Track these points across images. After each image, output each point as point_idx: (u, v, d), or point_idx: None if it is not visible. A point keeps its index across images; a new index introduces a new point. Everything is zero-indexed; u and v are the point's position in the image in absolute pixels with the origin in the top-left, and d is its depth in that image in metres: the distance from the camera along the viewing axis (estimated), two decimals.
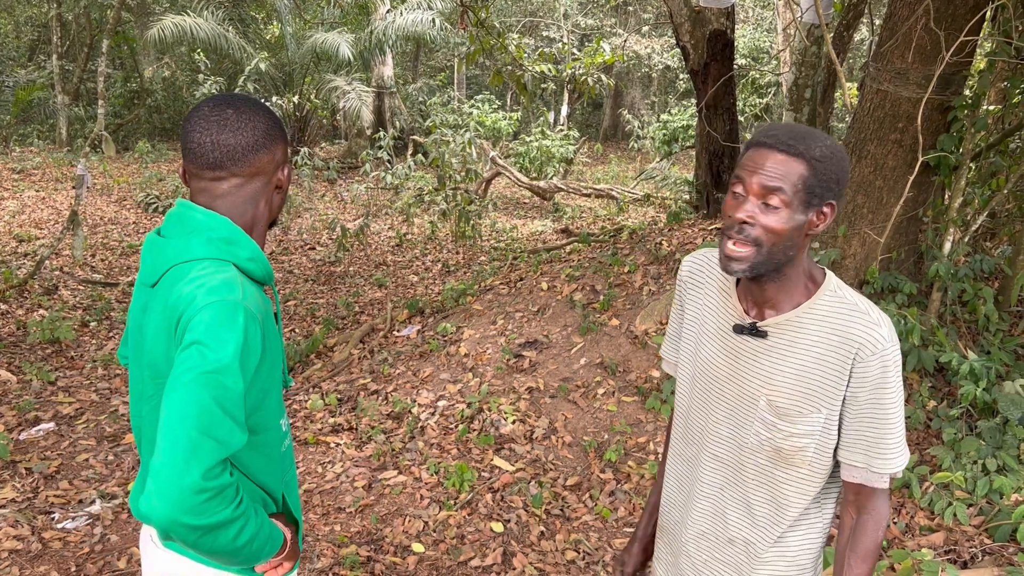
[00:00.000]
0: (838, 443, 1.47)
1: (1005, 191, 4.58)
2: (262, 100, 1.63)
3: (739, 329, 1.49)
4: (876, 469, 1.43)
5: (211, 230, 1.37)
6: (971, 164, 4.49)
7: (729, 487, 1.57)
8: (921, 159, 3.73)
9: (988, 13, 4.13)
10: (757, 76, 16.18)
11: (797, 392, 1.44)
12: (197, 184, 1.41)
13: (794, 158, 1.36)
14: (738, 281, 1.55)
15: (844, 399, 1.43)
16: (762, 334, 1.47)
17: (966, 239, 4.58)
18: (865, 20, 8.42)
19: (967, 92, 4.43)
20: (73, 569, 3.13)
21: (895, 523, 3.44)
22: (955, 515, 3.39)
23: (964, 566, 3.18)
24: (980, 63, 4.78)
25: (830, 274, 1.49)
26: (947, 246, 4.45)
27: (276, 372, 1.42)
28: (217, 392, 1.23)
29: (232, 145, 1.37)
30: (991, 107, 5.00)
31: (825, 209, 1.39)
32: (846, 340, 1.40)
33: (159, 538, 1.30)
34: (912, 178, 3.72)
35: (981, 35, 4.36)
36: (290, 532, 1.49)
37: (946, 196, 4.60)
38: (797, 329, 1.44)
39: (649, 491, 2.02)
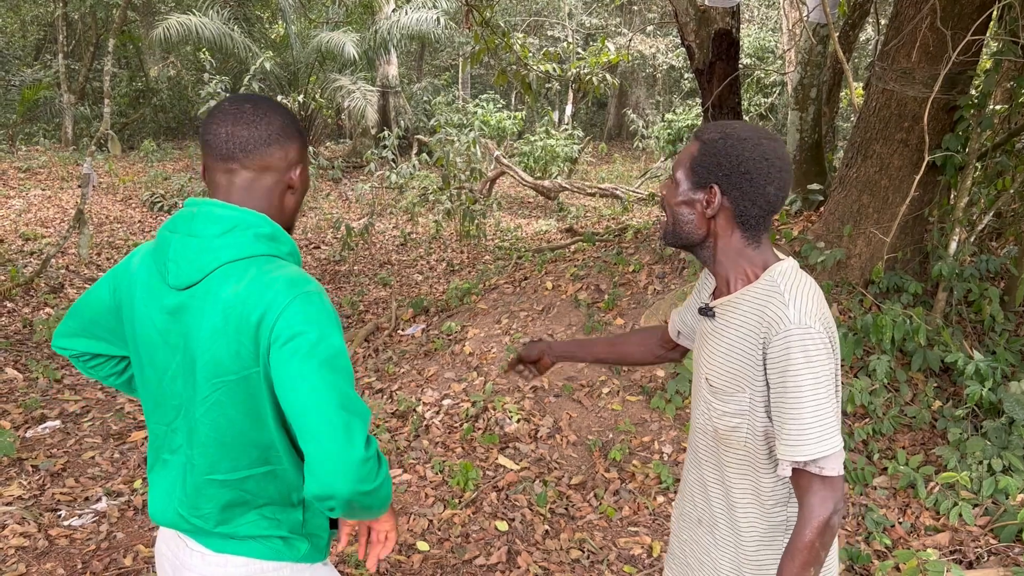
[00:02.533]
0: None
1: (1011, 191, 4.57)
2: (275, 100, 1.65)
3: (700, 310, 1.60)
4: (780, 454, 1.41)
5: (255, 227, 1.38)
6: (977, 164, 4.48)
7: (694, 468, 1.67)
8: (927, 159, 3.72)
9: (994, 13, 4.12)
10: (762, 75, 16.16)
11: (726, 371, 1.50)
12: (212, 177, 1.42)
13: (694, 140, 1.52)
14: None
15: (768, 383, 1.44)
16: (711, 314, 1.55)
17: (972, 239, 4.57)
18: (871, 19, 8.41)
19: (973, 92, 4.42)
20: (79, 566, 3.14)
21: (900, 523, 3.44)
22: (960, 515, 3.38)
23: (969, 566, 3.17)
24: (986, 63, 4.77)
25: (783, 262, 1.51)
26: (953, 246, 4.44)
27: None
28: (342, 373, 1.32)
29: (244, 137, 1.38)
30: (997, 107, 4.99)
31: (709, 192, 1.48)
32: (759, 320, 1.44)
33: (342, 512, 1.33)
34: (918, 178, 3.72)
35: (987, 34, 4.35)
36: None
37: (952, 196, 4.59)
38: (733, 310, 1.50)
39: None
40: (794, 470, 1.41)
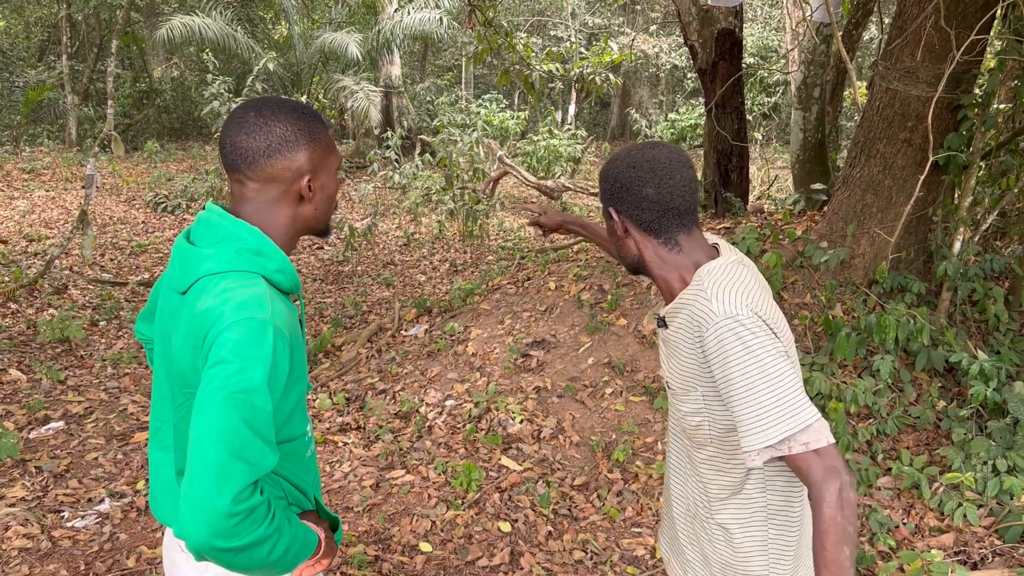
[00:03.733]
0: None
1: (1015, 190, 4.55)
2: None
3: (657, 320, 1.65)
4: (742, 446, 1.41)
5: (240, 240, 1.35)
6: (981, 163, 4.47)
7: (673, 470, 1.75)
8: (931, 158, 3.71)
9: (998, 11, 4.10)
10: (765, 75, 16.13)
11: (678, 373, 1.56)
12: (230, 186, 1.43)
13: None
14: None
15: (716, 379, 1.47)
16: (663, 323, 1.60)
17: (976, 238, 4.56)
18: (874, 18, 8.39)
19: (977, 91, 4.40)
20: (82, 567, 3.14)
21: (904, 524, 3.43)
22: (965, 516, 3.37)
23: (974, 567, 3.16)
24: (990, 62, 4.75)
25: (709, 264, 1.51)
26: (957, 245, 4.43)
27: (302, 383, 1.40)
28: (247, 413, 1.22)
29: (244, 148, 1.36)
30: (1001, 106, 4.97)
31: (609, 212, 1.60)
32: (692, 320, 1.48)
33: (196, 560, 1.26)
34: (922, 177, 3.70)
35: (991, 33, 4.34)
36: (322, 530, 1.47)
37: (956, 195, 4.57)
38: (673, 316, 1.55)
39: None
40: (786, 457, 1.36)
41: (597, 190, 1.57)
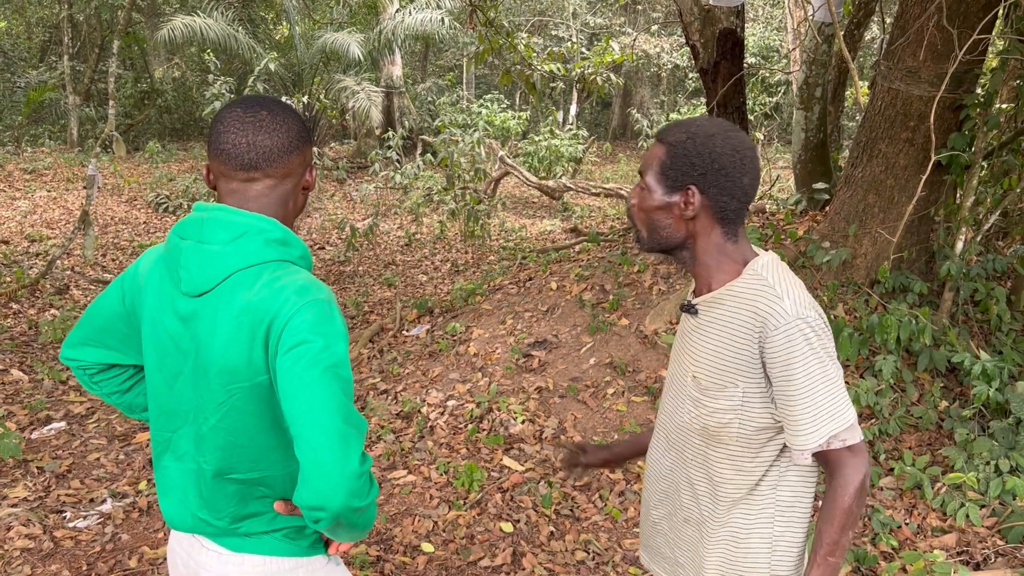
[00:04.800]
0: None
1: (1018, 190, 4.54)
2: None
3: (682, 307, 1.60)
4: (793, 445, 1.44)
5: (266, 232, 1.37)
6: (983, 163, 4.46)
7: (676, 467, 1.65)
8: (933, 158, 3.70)
9: (1000, 11, 4.10)
10: (767, 75, 16.13)
11: (715, 367, 1.50)
12: (227, 185, 1.40)
13: (658, 143, 1.51)
14: None
15: (767, 376, 1.45)
16: (694, 311, 1.55)
17: (978, 238, 4.55)
18: (876, 18, 8.38)
19: (979, 90, 4.40)
20: (84, 568, 3.14)
21: (907, 524, 3.43)
22: (967, 516, 3.36)
23: (977, 568, 3.16)
24: (992, 61, 4.75)
25: (764, 256, 1.51)
26: (959, 245, 4.42)
27: None
28: (342, 384, 1.30)
29: (268, 146, 1.38)
30: (1003, 105, 4.96)
31: (687, 193, 1.47)
32: (753, 315, 1.44)
33: (327, 525, 1.30)
34: (924, 177, 3.70)
35: (993, 33, 4.33)
36: None
37: (958, 195, 4.57)
38: (718, 306, 1.50)
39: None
40: (821, 452, 1.43)
41: (644, 161, 1.51)
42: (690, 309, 1.57)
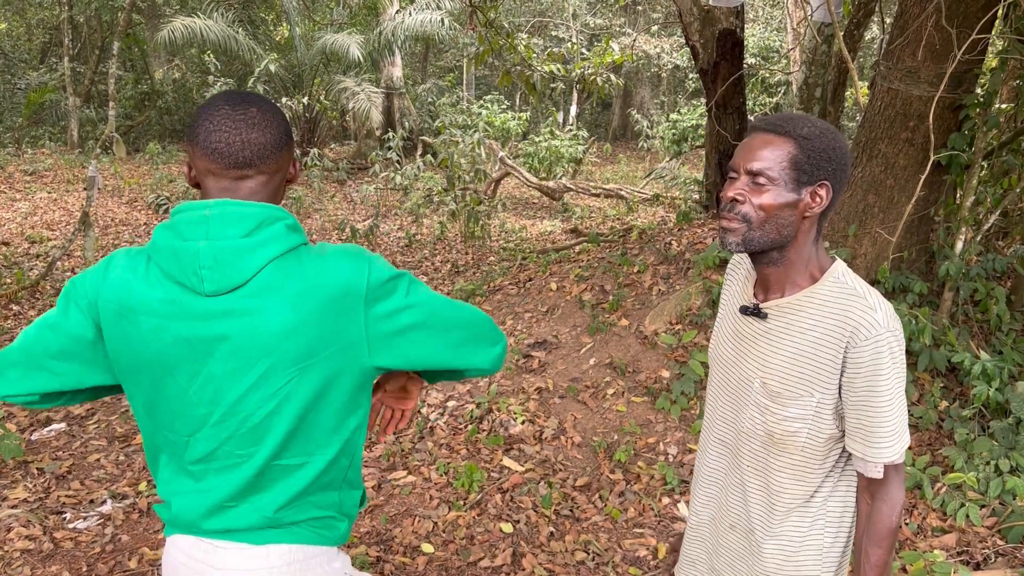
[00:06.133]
0: (845, 431, 1.48)
1: (1018, 190, 4.54)
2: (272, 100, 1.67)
3: (744, 309, 1.53)
4: (870, 457, 1.43)
5: (284, 219, 1.39)
6: (983, 163, 4.46)
7: (730, 472, 1.61)
8: (932, 158, 3.71)
9: (1000, 11, 4.10)
10: (767, 75, 16.13)
11: (791, 375, 1.46)
12: (217, 183, 1.38)
13: (781, 137, 1.41)
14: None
15: (841, 386, 1.43)
16: (762, 315, 1.50)
17: (978, 238, 4.55)
18: (876, 18, 8.38)
19: (979, 90, 4.40)
20: (84, 569, 3.14)
21: (907, 524, 3.42)
22: (967, 516, 3.36)
23: (977, 567, 3.16)
24: (992, 61, 4.75)
25: (839, 263, 1.49)
26: (959, 245, 4.42)
27: None
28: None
29: (262, 143, 1.37)
30: (1003, 105, 4.96)
31: (820, 189, 1.42)
32: (842, 324, 1.40)
33: (495, 364, 1.54)
34: (923, 177, 3.70)
35: (993, 33, 4.33)
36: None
37: (958, 195, 4.57)
38: (796, 312, 1.46)
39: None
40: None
41: (761, 156, 1.40)
42: (757, 312, 1.51)
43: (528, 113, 18.50)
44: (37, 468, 3.91)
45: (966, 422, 3.90)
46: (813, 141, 1.40)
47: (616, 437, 4.19)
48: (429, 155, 11.51)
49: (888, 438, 1.41)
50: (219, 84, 10.77)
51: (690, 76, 21.19)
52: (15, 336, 5.70)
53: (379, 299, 1.39)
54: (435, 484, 3.81)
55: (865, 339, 1.37)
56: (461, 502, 3.64)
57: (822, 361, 1.42)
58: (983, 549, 3.25)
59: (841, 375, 1.42)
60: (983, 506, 3.46)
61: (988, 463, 3.60)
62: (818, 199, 1.42)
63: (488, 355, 1.51)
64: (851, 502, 1.54)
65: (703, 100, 11.19)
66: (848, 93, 9.77)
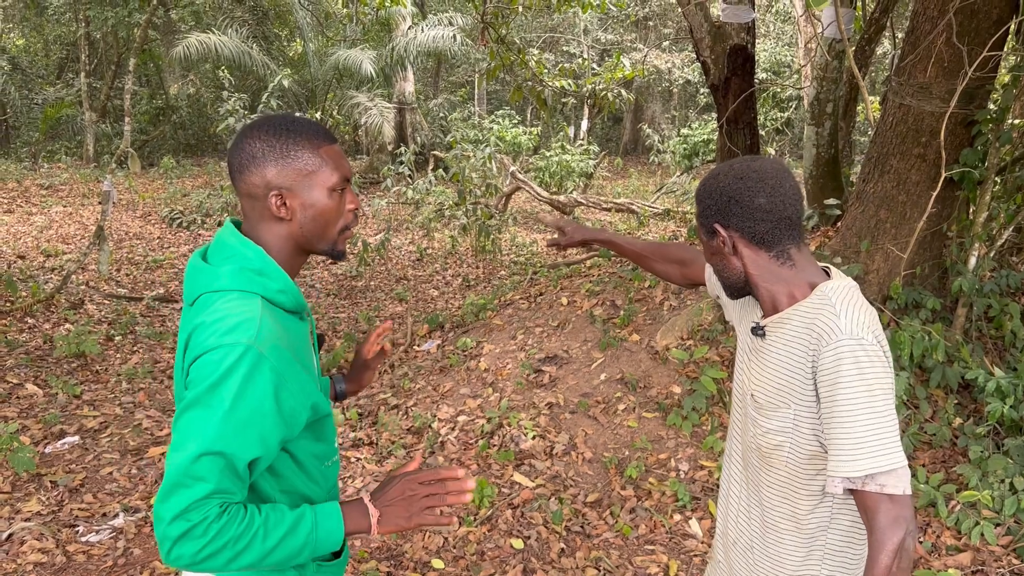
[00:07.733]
0: None
1: None
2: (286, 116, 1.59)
3: (752, 329, 1.59)
4: (830, 470, 1.37)
5: (245, 260, 1.37)
6: (996, 178, 4.44)
7: (735, 486, 1.66)
8: (945, 174, 3.70)
9: (1012, 27, 4.10)
10: (778, 90, 16.13)
11: (771, 386, 1.49)
12: None
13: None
14: None
15: (818, 398, 1.42)
16: (761, 332, 1.55)
17: (992, 254, 4.53)
18: (887, 34, 8.38)
19: (991, 106, 4.39)
20: None
21: (921, 542, 3.39)
22: (982, 535, 3.33)
23: None
24: (1004, 77, 4.74)
25: (836, 280, 1.48)
26: (972, 261, 4.40)
27: (307, 399, 1.37)
28: (215, 429, 1.30)
29: (229, 163, 1.42)
30: (1016, 121, 4.95)
31: (719, 231, 1.51)
32: (811, 332, 1.41)
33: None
34: (936, 193, 3.69)
35: (1005, 49, 4.33)
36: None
37: (971, 211, 4.55)
38: (783, 326, 1.49)
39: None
40: (858, 492, 1.35)
41: (695, 215, 1.59)
42: (758, 331, 1.55)
43: (539, 128, 18.56)
44: (50, 481, 3.93)
45: (980, 439, 3.87)
46: (697, 197, 1.55)
47: (627, 453, 4.18)
48: (441, 169, 11.56)
49: (849, 451, 1.33)
50: (233, 99, 10.87)
51: (701, 91, 21.21)
52: (29, 349, 5.75)
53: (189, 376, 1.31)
54: None
55: (826, 345, 1.37)
56: (472, 518, 3.64)
57: (794, 371, 1.44)
58: (998, 568, 3.22)
59: (816, 386, 1.41)
60: (998, 524, 3.42)
61: (1003, 481, 3.57)
62: (722, 239, 1.51)
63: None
64: (857, 539, 1.51)
65: (714, 115, 11.21)
66: (860, 108, 9.76)
